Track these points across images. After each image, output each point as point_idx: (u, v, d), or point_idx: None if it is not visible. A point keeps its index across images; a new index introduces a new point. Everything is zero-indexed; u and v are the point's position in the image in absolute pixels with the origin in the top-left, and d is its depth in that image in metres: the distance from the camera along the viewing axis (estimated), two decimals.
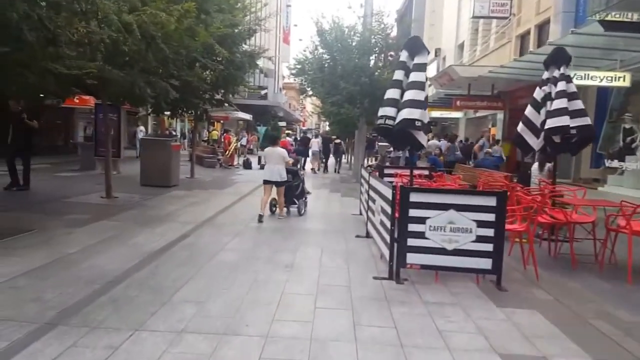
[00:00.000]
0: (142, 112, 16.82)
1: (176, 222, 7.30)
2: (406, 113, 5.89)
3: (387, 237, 5.01)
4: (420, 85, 5.93)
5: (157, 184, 11.32)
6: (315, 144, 20.92)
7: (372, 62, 16.40)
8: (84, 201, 8.79)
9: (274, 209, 8.59)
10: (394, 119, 6.24)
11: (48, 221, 6.77)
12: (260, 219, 7.80)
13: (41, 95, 9.48)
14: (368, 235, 6.80)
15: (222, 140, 19.53)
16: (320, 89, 17.05)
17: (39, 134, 17.91)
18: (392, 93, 6.31)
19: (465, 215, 4.63)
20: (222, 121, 40.83)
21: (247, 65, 13.98)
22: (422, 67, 5.96)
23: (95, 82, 7.94)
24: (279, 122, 55.10)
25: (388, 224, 5.07)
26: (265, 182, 8.23)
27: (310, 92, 20.02)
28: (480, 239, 4.58)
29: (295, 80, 22.40)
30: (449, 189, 6.52)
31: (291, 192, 8.64)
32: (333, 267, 5.33)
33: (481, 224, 4.59)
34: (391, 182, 6.29)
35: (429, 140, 20.59)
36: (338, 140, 22.02)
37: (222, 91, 14.31)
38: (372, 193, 6.68)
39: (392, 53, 16.36)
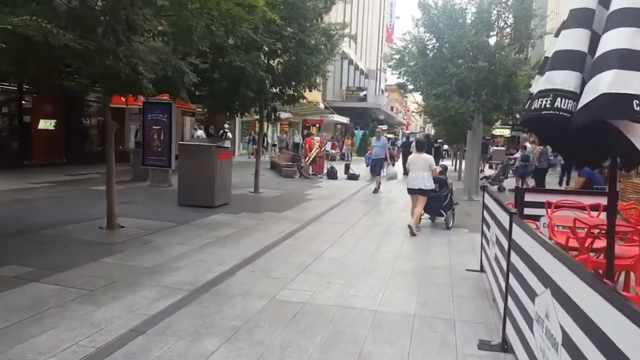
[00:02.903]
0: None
1: (158, 287, 4.34)
2: (609, 81, 2.25)
3: None
4: None
5: (198, 203, 8.68)
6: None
7: (492, 41, 12.21)
8: (67, 233, 6.31)
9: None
10: (573, 97, 2.66)
11: None
12: (412, 232, 7.22)
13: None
14: (505, 346, 3.16)
15: (304, 145, 16.66)
16: (421, 78, 13.26)
17: (90, 140, 16.84)
18: (568, 40, 2.80)
19: None
20: (317, 125, 38.65)
21: (324, 48, 10.86)
22: None
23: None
24: (380, 126, 51.63)
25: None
26: (410, 191, 7.74)
27: (411, 87, 16.29)
28: None
29: (392, 73, 18.80)
30: None
31: (438, 202, 8.00)
32: None
33: None
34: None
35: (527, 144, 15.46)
36: (437, 145, 20.79)
37: (294, 84, 11.39)
38: (517, 265, 3.02)
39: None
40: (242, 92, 9.50)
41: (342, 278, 4.87)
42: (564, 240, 4.38)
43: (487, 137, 21.62)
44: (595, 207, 4.82)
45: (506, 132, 38.10)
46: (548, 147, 14.79)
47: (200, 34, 6.44)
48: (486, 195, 5.09)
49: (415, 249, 6.31)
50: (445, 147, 28.53)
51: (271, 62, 10.97)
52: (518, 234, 3.07)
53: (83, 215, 7.34)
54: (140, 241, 6.06)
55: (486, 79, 11.84)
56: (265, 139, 21.31)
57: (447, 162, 19.81)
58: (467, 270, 5.33)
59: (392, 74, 21.85)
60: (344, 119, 40.98)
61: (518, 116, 13.34)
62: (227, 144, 21.57)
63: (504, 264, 3.47)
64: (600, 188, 8.76)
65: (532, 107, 2.89)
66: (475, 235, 7.17)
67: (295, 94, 11.74)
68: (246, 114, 11.57)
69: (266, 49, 9.46)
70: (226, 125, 21.50)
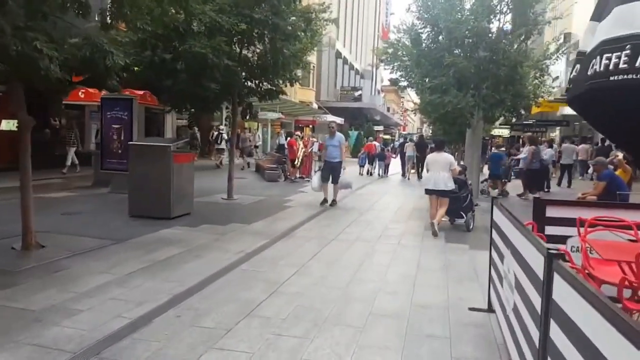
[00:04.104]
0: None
1: (27, 347, 3.01)
2: None
3: None
4: None
5: (151, 214, 7.37)
6: (410, 149, 18.84)
7: (494, 27, 10.90)
8: None
9: None
10: None
11: None
12: (434, 230, 7.08)
13: None
14: None
15: (287, 146, 15.34)
16: (415, 71, 11.96)
17: (58, 142, 15.19)
18: None
19: None
20: (310, 126, 37.32)
21: (303, 35, 9.56)
22: None
23: None
24: (375, 127, 50.29)
25: None
26: (429, 191, 7.53)
27: (404, 83, 14.98)
28: None
29: (385, 68, 17.50)
30: None
31: (458, 203, 7.74)
32: None
33: None
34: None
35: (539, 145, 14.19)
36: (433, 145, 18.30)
37: (272, 77, 10.08)
38: (560, 342, 1.66)
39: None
40: (205, 85, 8.17)
41: (299, 327, 3.55)
42: (609, 275, 3.08)
43: (485, 138, 20.35)
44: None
45: (505, 132, 36.92)
46: (541, 146, 13.60)
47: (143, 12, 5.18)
48: (496, 209, 3.78)
49: (403, 277, 4.99)
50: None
51: (245, 52, 9.69)
52: (563, 293, 1.77)
53: (1, 231, 6.01)
54: (52, 268, 4.73)
55: (487, 70, 10.56)
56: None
57: None
58: (470, 309, 4.02)
59: (384, 68, 20.59)
60: (339, 120, 39.63)
61: (523, 112, 12.08)
62: (223, 145, 20.27)
63: (533, 330, 2.17)
64: (624, 194, 7.49)
65: (590, 73, 1.59)
66: (478, 253, 5.89)
67: (274, 89, 10.42)
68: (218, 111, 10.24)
69: (234, 31, 8.13)
70: (222, 127, 19.86)
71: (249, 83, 10.00)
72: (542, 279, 2.02)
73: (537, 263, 2.12)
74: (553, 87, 14.70)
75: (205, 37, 7.97)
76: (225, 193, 10.09)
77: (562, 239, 4.06)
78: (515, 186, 13.33)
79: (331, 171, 9.73)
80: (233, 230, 6.99)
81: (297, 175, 15.68)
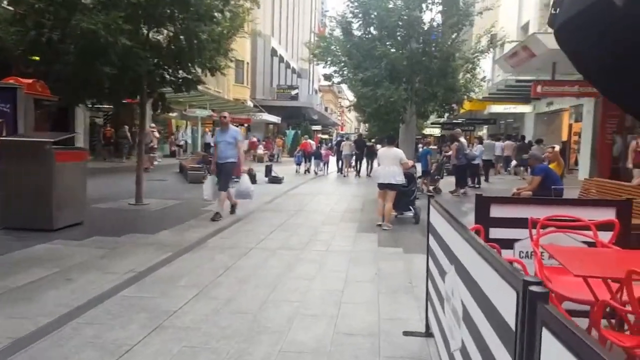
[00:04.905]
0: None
1: None
2: None
3: None
4: None
5: (29, 225, 6.01)
6: (347, 147, 19.04)
7: (427, 17, 10.49)
8: None
9: None
10: None
11: None
12: (382, 227, 7.19)
13: None
14: None
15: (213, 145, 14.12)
16: (347, 63, 11.29)
17: None
18: None
19: None
20: (245, 124, 35.87)
21: (222, 16, 8.53)
22: None
23: None
24: (313, 126, 49.74)
25: None
26: (380, 185, 7.49)
27: (338, 79, 14.32)
28: None
29: (318, 63, 16.82)
30: None
31: (407, 197, 8.02)
32: None
33: None
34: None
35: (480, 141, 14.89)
36: (370, 143, 20.46)
37: (190, 64, 8.95)
38: None
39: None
40: (97, 70, 6.88)
41: None
42: (571, 289, 2.43)
43: (417, 137, 20.56)
44: (603, 226, 2.95)
45: (436, 132, 37.85)
46: (464, 142, 13.63)
47: None
48: (433, 210, 3.04)
49: (328, 293, 4.16)
50: (378, 146, 27.24)
51: (156, 35, 8.49)
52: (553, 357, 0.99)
53: None
54: None
55: (420, 62, 10.12)
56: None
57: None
58: (405, 334, 3.27)
59: (317, 64, 19.98)
60: (275, 118, 38.66)
61: (455, 107, 11.83)
62: (155, 144, 18.66)
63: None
64: (559, 189, 7.21)
65: None
66: (414, 258, 5.23)
67: (191, 77, 9.27)
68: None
69: (136, 1, 6.93)
70: (152, 125, 18.38)
71: (161, 71, 8.80)
72: (514, 328, 1.24)
73: (505, 300, 1.33)
74: (482, 84, 14.69)
75: (99, 12, 6.70)
76: (138, 197, 8.81)
77: (509, 243, 3.42)
78: (448, 183, 13.11)
79: (220, 174, 7.70)
80: (129, 242, 5.81)
81: None
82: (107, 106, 19.97)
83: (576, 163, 17.76)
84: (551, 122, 21.74)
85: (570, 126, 19.38)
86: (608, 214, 3.11)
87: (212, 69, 9.55)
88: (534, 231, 3.08)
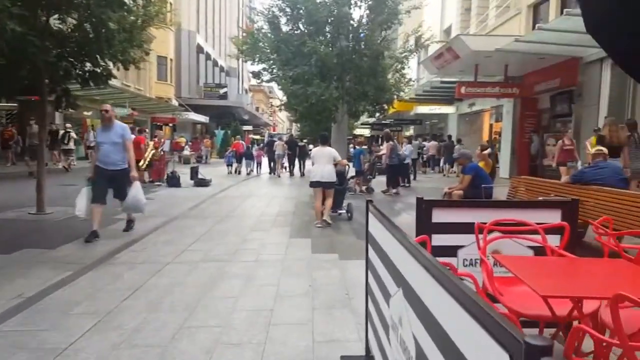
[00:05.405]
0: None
1: None
2: None
3: None
4: None
5: None
6: (279, 147, 18.70)
7: (356, 15, 10.29)
8: None
9: None
10: None
11: None
12: (317, 225, 7.28)
13: None
14: None
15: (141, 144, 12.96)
16: (275, 59, 10.81)
17: None
18: None
19: None
20: (170, 124, 33.97)
21: (133, 3, 7.70)
22: None
23: None
24: (244, 126, 48.53)
25: None
26: (314, 184, 7.52)
27: (267, 77, 13.79)
28: None
29: (245, 60, 16.17)
30: None
31: (342, 195, 8.17)
32: None
33: None
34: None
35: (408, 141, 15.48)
36: (302, 143, 20.65)
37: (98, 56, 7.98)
38: None
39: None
40: None
41: None
42: (528, 305, 2.15)
43: (348, 137, 20.74)
44: (552, 230, 2.74)
45: (366, 132, 38.51)
46: (396, 142, 13.91)
47: None
48: (373, 218, 2.65)
49: (255, 313, 3.64)
50: (311, 146, 27.03)
51: (58, 23, 7.47)
52: None
53: None
54: None
55: (350, 61, 9.88)
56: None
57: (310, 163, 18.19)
58: (342, 358, 2.86)
59: (244, 60, 19.26)
60: (203, 118, 37.12)
61: (385, 107, 11.78)
62: (72, 146, 16.96)
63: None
64: (488, 187, 7.25)
65: None
66: (350, 264, 4.89)
67: (100, 71, 8.29)
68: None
69: None
70: (68, 125, 17.39)
71: (65, 63, 7.76)
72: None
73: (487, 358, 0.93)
74: (412, 84, 14.91)
75: None
76: (39, 205, 7.68)
77: (452, 251, 3.14)
78: (379, 183, 13.08)
79: (109, 183, 6.07)
80: (22, 260, 4.90)
81: (147, 180, 13.48)
82: (10, 104, 17.99)
83: (497, 161, 18.70)
84: (473, 123, 22.76)
85: (491, 126, 20.34)
86: (553, 216, 2.91)
87: (125, 62, 8.65)
88: (480, 236, 2.80)
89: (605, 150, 5.41)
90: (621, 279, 2.01)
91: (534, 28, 13.04)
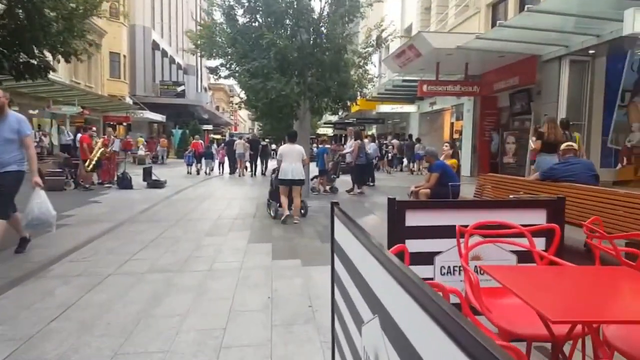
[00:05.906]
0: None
1: None
2: None
3: None
4: None
5: None
6: (240, 146, 18.34)
7: (317, 7, 9.90)
8: None
9: None
10: None
11: None
12: (286, 220, 7.37)
13: None
14: None
15: (79, 144, 12.06)
16: (232, 52, 10.26)
17: None
18: None
19: None
20: (124, 123, 32.44)
21: None
22: None
23: None
24: (204, 126, 47.17)
25: None
26: (283, 182, 7.48)
27: (225, 72, 13.15)
28: None
29: (202, 55, 15.45)
30: None
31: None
32: None
33: None
34: None
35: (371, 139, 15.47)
36: (264, 143, 20.27)
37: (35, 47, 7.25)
38: None
39: None
40: None
41: None
42: (519, 323, 1.81)
43: (311, 136, 20.53)
44: (541, 233, 2.44)
45: (329, 131, 38.30)
46: (365, 141, 13.71)
47: None
48: (338, 222, 2.25)
49: (203, 336, 3.17)
50: (274, 146, 26.47)
51: None
52: None
53: None
54: None
55: (311, 55, 9.49)
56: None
57: (272, 162, 17.67)
58: None
59: (200, 55, 18.56)
60: (159, 117, 35.73)
61: (349, 103, 11.47)
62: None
63: None
64: (455, 185, 7.05)
65: None
66: (313, 271, 4.50)
67: (36, 63, 7.54)
68: None
69: None
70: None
71: None
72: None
73: None
74: (374, 81, 14.69)
75: None
76: None
77: (429, 258, 2.80)
78: (343, 182, 12.78)
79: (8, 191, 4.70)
80: None
81: (96, 182, 12.61)
82: None
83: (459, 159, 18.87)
84: (434, 121, 22.93)
85: (452, 124, 20.52)
86: (538, 217, 2.62)
87: (66, 54, 7.95)
88: (462, 241, 2.46)
89: (575, 145, 5.28)
90: (634, 292, 1.71)
91: (492, 27, 13.15)
